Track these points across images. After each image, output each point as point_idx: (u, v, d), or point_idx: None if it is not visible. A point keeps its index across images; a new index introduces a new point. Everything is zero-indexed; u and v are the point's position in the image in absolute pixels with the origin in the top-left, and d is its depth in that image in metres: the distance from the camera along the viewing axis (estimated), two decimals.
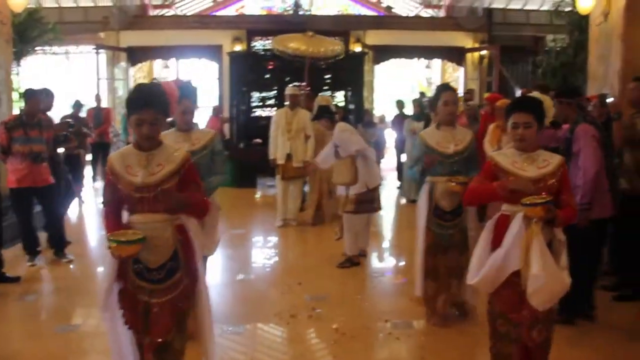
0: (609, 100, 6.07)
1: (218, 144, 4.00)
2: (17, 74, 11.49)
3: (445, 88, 4.41)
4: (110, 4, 14.09)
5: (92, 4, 15.28)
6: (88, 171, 10.40)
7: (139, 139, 2.83)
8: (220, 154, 4.03)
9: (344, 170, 5.88)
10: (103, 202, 2.96)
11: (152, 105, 2.76)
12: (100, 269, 5.66)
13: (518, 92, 12.51)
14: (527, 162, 3.01)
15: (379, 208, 6.26)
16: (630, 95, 5.08)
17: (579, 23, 9.90)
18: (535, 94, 3.33)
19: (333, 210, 7.50)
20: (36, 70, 14.20)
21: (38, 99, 6.06)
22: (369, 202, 5.99)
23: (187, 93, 3.85)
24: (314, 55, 9.26)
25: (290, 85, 8.36)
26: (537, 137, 3.04)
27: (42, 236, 6.37)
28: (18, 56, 11.22)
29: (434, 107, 4.36)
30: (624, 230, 4.81)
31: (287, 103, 7.96)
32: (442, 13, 16.35)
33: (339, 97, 13.29)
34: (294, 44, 9.33)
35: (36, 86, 6.46)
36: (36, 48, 12.40)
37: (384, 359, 3.98)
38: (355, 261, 6.07)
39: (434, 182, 4.23)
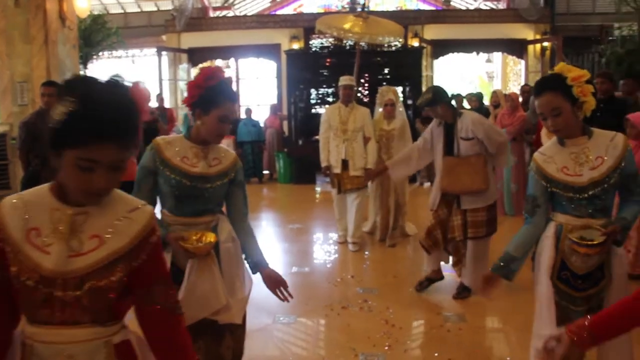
0: None
1: (240, 173, 2.79)
2: None
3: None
4: (171, 7, 14.55)
5: (155, 9, 15.82)
6: None
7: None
8: (242, 186, 2.81)
9: (473, 173, 4.55)
10: None
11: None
12: None
13: None
14: None
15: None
16: None
17: None
18: None
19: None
20: (102, 73, 14.85)
21: None
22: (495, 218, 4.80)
23: (226, 93, 2.61)
24: (371, 41, 8.19)
25: (344, 76, 6.67)
26: None
27: None
28: (84, 60, 11.77)
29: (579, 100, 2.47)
30: None
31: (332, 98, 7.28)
32: (502, 5, 16.00)
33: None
34: (348, 25, 7.82)
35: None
36: (101, 52, 12.97)
37: (434, 351, 3.95)
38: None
39: (562, 223, 2.57)
